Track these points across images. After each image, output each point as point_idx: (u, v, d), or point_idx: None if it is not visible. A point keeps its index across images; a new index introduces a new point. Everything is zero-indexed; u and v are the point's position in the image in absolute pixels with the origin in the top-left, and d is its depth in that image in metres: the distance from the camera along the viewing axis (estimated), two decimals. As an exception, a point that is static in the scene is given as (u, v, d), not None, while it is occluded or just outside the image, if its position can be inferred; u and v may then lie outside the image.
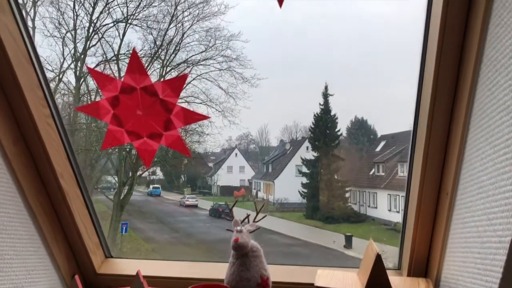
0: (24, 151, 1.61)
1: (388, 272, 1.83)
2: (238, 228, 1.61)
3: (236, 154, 41.92)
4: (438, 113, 1.51)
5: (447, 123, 1.49)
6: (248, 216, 1.69)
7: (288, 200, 32.43)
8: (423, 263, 1.69)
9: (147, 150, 1.59)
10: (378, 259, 1.37)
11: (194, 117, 1.57)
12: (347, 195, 30.37)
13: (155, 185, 39.99)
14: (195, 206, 33.36)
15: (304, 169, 30.69)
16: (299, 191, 30.48)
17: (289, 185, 32.20)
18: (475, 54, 1.27)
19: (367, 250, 1.57)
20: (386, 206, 27.75)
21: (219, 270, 1.70)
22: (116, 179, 22.05)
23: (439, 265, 1.55)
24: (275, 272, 1.80)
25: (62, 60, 19.24)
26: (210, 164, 41.36)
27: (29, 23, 18.49)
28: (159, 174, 34.49)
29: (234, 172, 40.87)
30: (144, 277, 1.67)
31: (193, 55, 21.43)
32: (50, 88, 1.65)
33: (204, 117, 1.59)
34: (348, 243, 22.60)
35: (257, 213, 1.71)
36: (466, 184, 1.34)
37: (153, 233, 25.05)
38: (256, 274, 1.61)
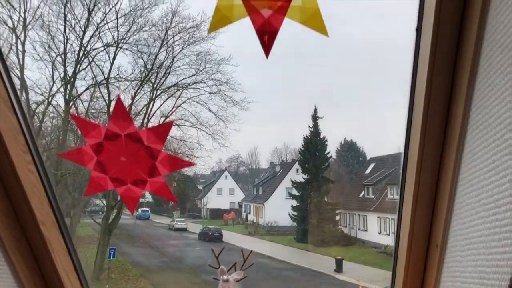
0: (4, 199, 1.56)
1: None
2: (225, 277, 1.56)
3: (226, 177, 41.89)
4: (427, 157, 1.49)
5: (436, 171, 1.47)
6: (234, 264, 1.64)
7: (278, 223, 32.30)
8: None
9: (130, 197, 1.55)
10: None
11: (179, 163, 1.54)
12: (337, 217, 30.36)
13: (144, 208, 39.58)
14: (185, 229, 33.07)
15: (294, 192, 30.68)
16: (289, 214, 30.37)
17: (279, 208, 32.12)
18: (465, 93, 1.24)
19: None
20: (376, 229, 27.75)
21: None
22: (105, 202, 21.78)
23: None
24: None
25: (51, 84, 19.29)
26: (200, 187, 41.23)
27: (19, 47, 18.44)
28: (148, 197, 34.22)
29: (224, 195, 40.78)
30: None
31: (183, 79, 21.67)
32: (33, 134, 1.61)
33: (190, 164, 1.56)
34: (339, 267, 22.44)
35: (244, 261, 1.66)
36: (456, 237, 1.31)
37: (141, 258, 24.64)
38: (243, 325, 1.55)
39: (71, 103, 19.60)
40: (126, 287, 18.65)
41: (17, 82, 18.55)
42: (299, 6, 1.22)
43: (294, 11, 1.23)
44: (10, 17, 18.44)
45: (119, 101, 1.45)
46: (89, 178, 1.55)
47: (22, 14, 18.50)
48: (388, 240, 25.27)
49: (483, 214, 1.10)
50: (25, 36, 18.68)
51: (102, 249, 20.09)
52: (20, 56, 18.45)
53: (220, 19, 1.25)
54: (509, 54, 1.01)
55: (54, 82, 19.33)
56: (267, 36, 1.26)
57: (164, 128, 1.49)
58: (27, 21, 18.60)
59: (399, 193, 1.66)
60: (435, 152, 1.43)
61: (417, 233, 1.54)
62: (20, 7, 18.42)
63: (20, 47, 18.56)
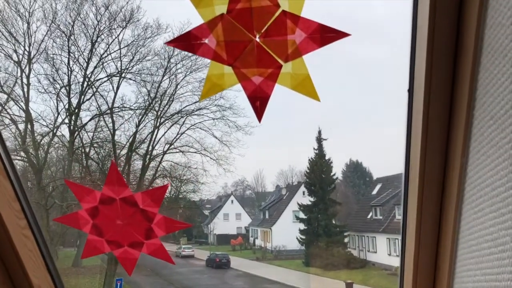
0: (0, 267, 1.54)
1: None
2: None
3: (232, 201, 41.67)
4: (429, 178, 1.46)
5: (439, 192, 1.43)
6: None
7: (286, 247, 31.94)
8: None
9: (128, 259, 1.53)
10: None
11: (176, 225, 1.52)
12: (346, 240, 30.00)
13: (150, 236, 39.05)
14: (192, 256, 32.75)
15: (301, 215, 30.42)
16: (297, 238, 30.05)
17: (286, 232, 31.82)
18: (466, 101, 1.20)
19: None
20: (385, 250, 27.35)
21: None
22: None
23: None
24: None
25: (56, 115, 19.48)
26: (206, 212, 41.01)
27: (24, 80, 18.71)
28: (154, 224, 34.03)
29: (231, 220, 40.50)
30: None
31: (187, 105, 21.84)
32: (28, 199, 1.60)
33: (186, 225, 1.54)
34: (350, 291, 22.06)
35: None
36: (465, 260, 1.26)
37: (148, 287, 24.35)
38: None
39: (76, 133, 19.73)
40: (134, 318, 18.40)
41: (22, 114, 18.78)
42: (289, 73, 1.22)
43: (284, 77, 1.22)
44: (15, 51, 18.79)
45: (113, 167, 1.44)
46: (86, 241, 1.54)
47: (27, 48, 18.84)
48: (398, 262, 24.81)
49: (491, 230, 1.07)
50: (29, 69, 18.98)
51: (109, 280, 19.88)
52: (25, 89, 18.68)
53: (212, 88, 1.25)
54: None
55: (59, 113, 19.54)
56: (259, 101, 1.26)
57: (159, 192, 1.48)
58: (32, 55, 18.93)
59: (402, 213, 1.61)
60: (437, 173, 1.38)
61: (422, 256, 1.49)
62: (25, 41, 18.78)
63: (25, 80, 18.82)
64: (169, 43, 1.19)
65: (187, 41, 1.19)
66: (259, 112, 1.27)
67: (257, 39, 1.19)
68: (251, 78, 1.23)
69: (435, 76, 1.29)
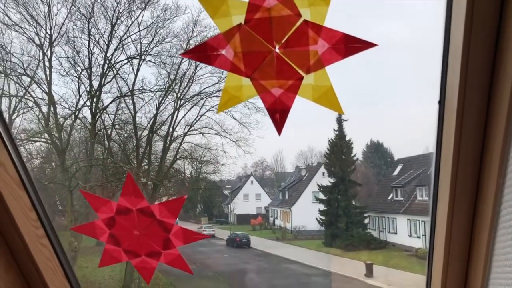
0: (17, 276, 1.54)
1: None
2: None
3: (252, 182, 41.82)
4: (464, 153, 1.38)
5: (477, 170, 1.34)
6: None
7: (306, 228, 32.04)
8: None
9: (145, 268, 1.51)
10: None
11: (193, 236, 1.49)
12: (366, 221, 29.90)
13: (172, 215, 39.75)
14: (213, 236, 33.21)
15: (321, 196, 30.37)
16: (316, 219, 30.08)
17: (306, 212, 31.87)
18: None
19: None
20: (406, 232, 27.18)
21: None
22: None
23: None
24: None
25: (78, 98, 19.70)
26: (226, 193, 41.36)
27: (46, 63, 18.93)
28: (176, 204, 34.51)
29: (251, 200, 40.73)
30: None
31: (206, 87, 21.80)
32: (45, 208, 1.59)
33: (204, 236, 1.51)
34: (369, 272, 22.07)
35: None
36: (506, 235, 1.18)
37: (170, 267, 24.88)
38: None
39: (98, 115, 19.96)
40: (157, 296, 18.83)
41: (45, 97, 19.06)
42: (311, 84, 1.15)
43: (306, 89, 1.16)
44: (37, 34, 18.95)
45: (129, 178, 1.41)
46: (103, 250, 1.52)
47: (48, 31, 18.97)
48: (419, 243, 24.72)
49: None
50: (51, 52, 19.15)
51: (132, 259, 20.31)
52: (47, 72, 18.89)
53: (229, 100, 1.20)
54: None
55: (80, 95, 19.74)
56: (278, 114, 1.20)
57: (176, 203, 1.45)
58: (53, 38, 19.07)
59: (432, 194, 1.52)
60: (474, 150, 1.29)
61: (455, 236, 1.40)
62: (46, 24, 18.90)
63: (47, 63, 19.02)
64: (184, 54, 1.15)
65: (203, 52, 1.13)
66: (279, 124, 1.21)
67: (277, 50, 1.13)
68: (270, 90, 1.17)
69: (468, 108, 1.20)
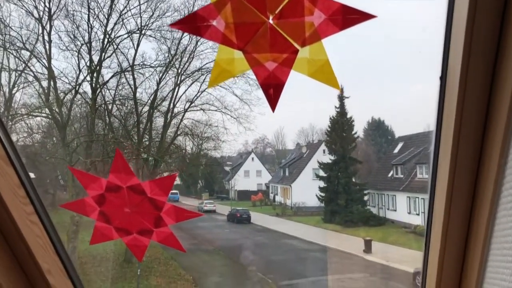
0: (7, 253, 1.52)
1: None
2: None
3: (252, 159, 41.94)
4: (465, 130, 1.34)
5: (478, 148, 1.30)
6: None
7: (306, 204, 32.25)
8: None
9: (137, 246, 1.49)
10: None
11: (185, 214, 1.46)
12: (365, 198, 30.06)
13: (173, 191, 40.33)
14: (213, 211, 33.48)
15: (321, 173, 30.46)
16: (316, 195, 30.25)
17: (306, 189, 32.02)
18: None
19: None
20: (405, 209, 27.35)
21: None
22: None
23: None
24: None
25: (78, 72, 19.54)
26: (227, 169, 41.51)
27: (46, 37, 18.69)
28: (176, 179, 34.74)
29: (251, 176, 40.91)
30: None
31: (207, 63, 21.57)
32: (33, 185, 1.56)
33: (197, 215, 1.48)
34: (368, 248, 22.31)
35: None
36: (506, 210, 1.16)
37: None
38: None
39: (98, 91, 19.83)
40: (158, 269, 19.09)
41: (45, 72, 18.90)
42: (306, 58, 1.09)
43: (301, 63, 1.10)
44: (36, 8, 18.66)
45: (118, 154, 1.37)
46: (93, 228, 1.50)
47: (47, 4, 18.67)
48: (418, 220, 24.90)
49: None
50: (50, 26, 18.88)
51: (134, 233, 20.52)
52: (47, 46, 18.68)
53: (220, 74, 1.14)
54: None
55: (80, 70, 19.57)
56: (272, 89, 1.15)
57: (168, 181, 1.41)
58: (52, 11, 18.77)
59: (431, 172, 1.49)
60: (476, 127, 1.25)
61: (454, 214, 1.37)
62: (45, -3, 18.57)
63: (46, 37, 18.79)
64: (173, 25, 1.07)
65: (193, 23, 1.07)
66: (273, 100, 1.16)
67: (271, 21, 1.07)
68: (264, 63, 1.11)
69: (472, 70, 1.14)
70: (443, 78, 1.21)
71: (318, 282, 17.44)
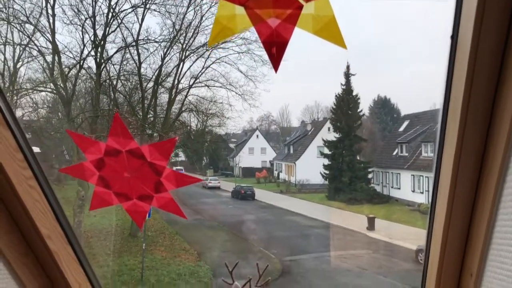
0: (6, 217, 1.51)
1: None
2: (239, 293, 1.48)
3: (257, 136, 41.92)
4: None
5: (485, 127, 1.27)
6: (249, 280, 1.55)
7: (310, 182, 32.34)
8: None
9: (137, 211, 1.47)
10: None
11: (186, 180, 1.43)
12: (370, 176, 30.07)
13: (178, 167, 40.54)
14: (218, 187, 33.67)
15: (326, 151, 30.44)
16: (321, 173, 30.29)
17: (310, 167, 32.07)
18: None
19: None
20: (409, 187, 27.37)
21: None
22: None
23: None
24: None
25: (82, 47, 19.39)
26: (232, 146, 41.57)
27: (50, 11, 18.49)
28: (181, 155, 34.77)
29: (256, 154, 40.98)
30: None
31: (212, 39, 21.27)
32: (31, 149, 1.53)
33: (197, 180, 1.45)
34: (371, 225, 22.44)
35: (260, 277, 1.57)
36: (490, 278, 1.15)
37: (175, 216, 25.36)
38: None
39: (102, 66, 19.71)
40: (163, 244, 19.32)
41: (49, 46, 18.77)
42: (311, 14, 1.04)
43: (306, 20, 1.05)
44: (39, -21, 18.40)
45: (116, 118, 1.33)
46: (93, 193, 1.48)
47: (50, -24, 18.38)
48: (421, 198, 24.95)
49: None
50: (54, 0, 18.65)
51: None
52: (51, 20, 18.49)
53: (221, 31, 1.09)
54: None
55: (84, 45, 19.41)
56: (275, 47, 1.10)
57: (167, 145, 1.38)
58: (56, -17, 18.49)
59: (437, 150, 1.46)
60: (485, 101, 1.21)
61: (459, 193, 1.36)
62: (47, -31, 18.29)
63: (50, 11, 18.58)
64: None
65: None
66: (276, 60, 1.11)
67: (274, -26, 1.01)
68: (266, 20, 1.06)
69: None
70: (454, 37, 1.16)
71: (321, 258, 17.60)
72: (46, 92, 20.24)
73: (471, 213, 1.40)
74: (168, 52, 20.50)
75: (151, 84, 20.68)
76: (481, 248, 1.24)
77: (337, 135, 29.41)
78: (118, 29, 19.55)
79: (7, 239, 1.50)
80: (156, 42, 19.97)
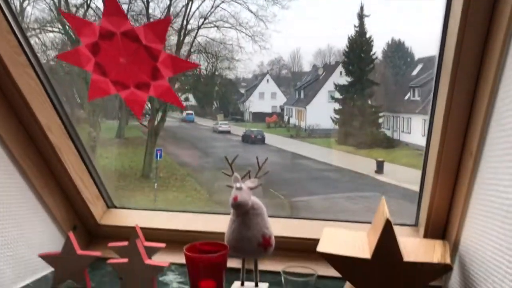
0: (5, 105, 1.50)
1: (404, 229, 1.71)
2: (238, 185, 1.49)
3: (267, 80, 41.34)
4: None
5: (475, 74, 1.26)
6: (249, 172, 1.56)
7: (320, 126, 32.20)
8: (442, 224, 1.54)
9: (136, 101, 1.46)
10: (388, 226, 1.23)
11: (183, 65, 1.41)
12: (380, 120, 29.82)
13: (189, 111, 40.62)
14: (228, 132, 33.82)
15: (337, 95, 30.04)
16: (331, 117, 30.09)
17: (321, 111, 31.78)
18: None
19: (378, 210, 1.42)
20: (420, 132, 27.10)
21: (224, 223, 1.60)
22: (149, 105, 22.42)
23: (458, 228, 1.39)
24: (280, 227, 1.70)
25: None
26: (242, 91, 41.29)
27: None
28: (192, 100, 34.74)
29: (266, 99, 40.59)
30: (146, 228, 1.62)
31: (221, -23, 20.59)
32: (25, 34, 1.50)
33: (195, 66, 1.42)
34: (380, 169, 22.57)
35: (259, 169, 1.58)
36: (493, 145, 1.14)
37: (187, 159, 25.69)
38: (257, 234, 1.51)
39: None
40: (175, 184, 19.72)
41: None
42: None
43: None
44: None
45: (109, -5, 1.28)
46: (90, 81, 1.46)
47: None
48: (432, 143, 24.88)
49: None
50: None
51: (150, 150, 21.06)
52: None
53: None
54: None
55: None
56: None
57: (162, 24, 1.35)
58: None
59: (432, 95, 1.47)
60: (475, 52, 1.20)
61: (449, 137, 1.37)
62: None
63: None
64: None
65: None
66: None
67: None
68: None
69: None
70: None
71: (329, 199, 17.90)
72: (55, 34, 20.04)
73: (460, 152, 1.42)
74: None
75: (159, 25, 20.31)
76: (481, 127, 1.22)
77: (349, 79, 28.97)
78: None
79: (5, 126, 1.50)
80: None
